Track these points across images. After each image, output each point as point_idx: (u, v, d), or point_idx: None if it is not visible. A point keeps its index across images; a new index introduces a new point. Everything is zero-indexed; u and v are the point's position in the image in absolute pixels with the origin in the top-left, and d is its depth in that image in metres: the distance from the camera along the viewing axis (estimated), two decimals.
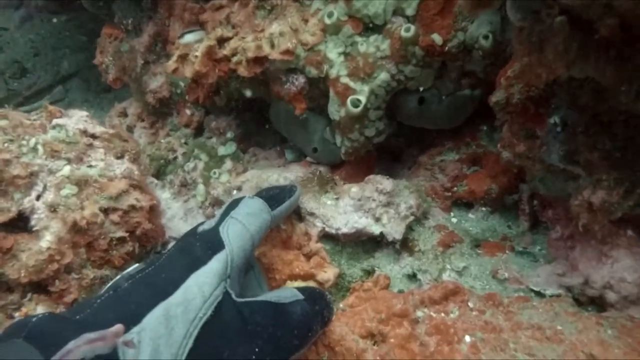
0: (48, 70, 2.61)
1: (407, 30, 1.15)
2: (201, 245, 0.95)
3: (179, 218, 1.49)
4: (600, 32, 0.72)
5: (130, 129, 1.77)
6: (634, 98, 0.77)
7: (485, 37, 1.13)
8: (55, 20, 2.71)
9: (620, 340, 0.88)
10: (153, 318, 0.80)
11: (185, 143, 1.63)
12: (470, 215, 1.34)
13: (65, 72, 2.59)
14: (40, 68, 2.62)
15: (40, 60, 2.67)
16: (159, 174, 1.61)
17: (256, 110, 1.58)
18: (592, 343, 0.88)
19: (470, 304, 1.00)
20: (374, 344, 0.98)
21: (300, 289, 1.00)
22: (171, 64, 1.44)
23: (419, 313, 1.00)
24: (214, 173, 1.47)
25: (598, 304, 1.03)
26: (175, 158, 1.61)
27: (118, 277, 1.00)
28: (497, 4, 0.87)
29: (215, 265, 0.90)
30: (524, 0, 0.80)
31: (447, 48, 1.16)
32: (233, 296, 0.89)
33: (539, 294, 1.08)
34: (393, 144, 1.50)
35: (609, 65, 0.76)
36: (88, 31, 2.58)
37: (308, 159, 1.49)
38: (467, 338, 0.93)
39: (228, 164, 1.50)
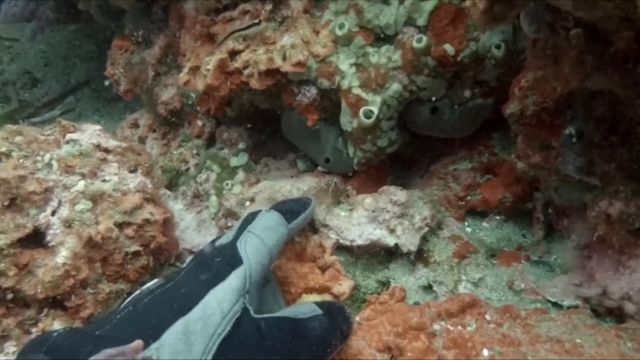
0: (59, 80, 2.63)
1: (419, 40, 1.15)
2: (219, 261, 0.96)
3: (192, 229, 1.49)
4: (617, 45, 0.71)
5: (142, 140, 1.78)
6: None
7: (498, 47, 1.13)
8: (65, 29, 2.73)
9: None
10: (172, 334, 0.81)
11: (197, 154, 1.63)
12: (485, 224, 1.33)
13: (76, 82, 2.61)
14: (51, 78, 2.64)
15: (51, 70, 2.69)
16: (171, 185, 1.62)
17: (268, 120, 1.58)
18: (612, 356, 0.87)
19: (488, 317, 1.00)
20: (391, 358, 0.97)
21: (318, 304, 1.00)
22: (183, 76, 1.45)
23: (436, 326, 0.99)
24: (227, 184, 1.48)
25: (616, 314, 1.02)
26: (188, 169, 1.62)
27: (137, 292, 1.01)
28: (513, 17, 0.87)
29: (234, 281, 0.91)
30: (537, 12, 0.80)
31: (459, 58, 1.16)
32: (251, 312, 0.90)
33: (556, 305, 1.08)
34: (406, 152, 1.50)
35: (626, 77, 0.76)
36: (98, 40, 2.60)
37: (320, 169, 1.48)
38: (485, 352, 0.92)
39: (240, 175, 1.51)
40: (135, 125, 1.84)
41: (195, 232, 1.49)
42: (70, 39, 2.80)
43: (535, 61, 0.84)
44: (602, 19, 0.68)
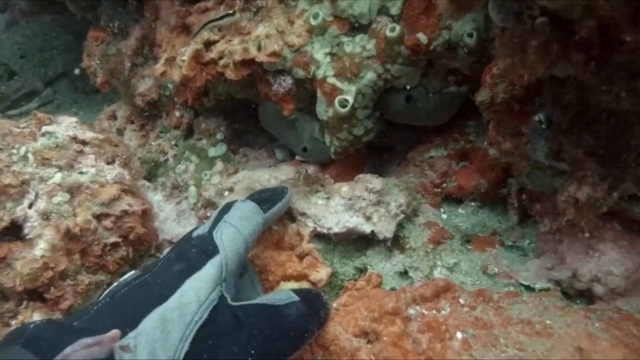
0: (35, 72, 2.59)
1: (392, 30, 1.15)
2: (196, 251, 0.97)
3: (171, 220, 1.49)
4: (580, 33, 0.73)
5: (120, 131, 1.77)
6: (615, 97, 0.78)
7: (470, 35, 1.14)
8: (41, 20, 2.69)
9: (608, 332, 0.90)
10: (149, 322, 0.82)
11: (176, 145, 1.63)
12: (460, 210, 1.35)
13: (53, 74, 2.57)
14: (27, 70, 2.60)
15: (28, 62, 2.64)
16: (150, 177, 1.62)
17: (245, 110, 1.58)
18: (580, 336, 0.90)
19: (461, 301, 1.01)
20: (367, 343, 0.99)
21: (295, 291, 1.02)
22: (159, 67, 1.45)
23: (411, 311, 1.01)
24: (205, 175, 1.48)
25: (586, 296, 1.04)
26: (166, 160, 1.62)
27: (115, 284, 1.01)
28: (479, 6, 0.88)
29: (210, 270, 0.92)
30: (505, 1, 0.81)
31: (432, 47, 1.16)
32: (228, 300, 0.91)
33: (529, 288, 1.09)
34: (383, 140, 1.51)
35: (590, 65, 0.77)
36: (75, 31, 2.56)
37: (298, 158, 1.49)
38: (459, 335, 0.94)
39: (219, 165, 1.51)
40: (113, 116, 1.83)
41: (174, 222, 1.49)
42: (47, 30, 2.75)
43: (503, 49, 0.84)
44: (566, 7, 0.69)
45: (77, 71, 1.84)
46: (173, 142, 1.64)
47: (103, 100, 2.21)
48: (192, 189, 1.48)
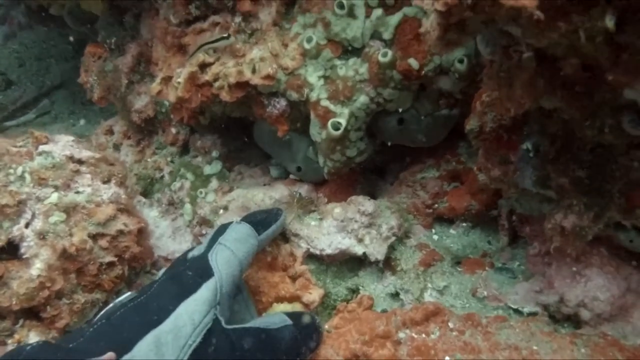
0: (33, 81, 2.59)
1: (385, 55, 1.17)
2: (191, 273, 0.98)
3: (167, 237, 1.51)
4: (565, 70, 0.74)
5: (117, 147, 1.78)
6: (598, 131, 0.80)
7: (461, 61, 1.16)
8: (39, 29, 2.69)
9: (593, 358, 0.92)
10: (144, 345, 0.83)
11: (172, 161, 1.64)
12: (452, 231, 1.36)
13: (51, 84, 2.58)
14: (25, 79, 2.60)
15: (26, 71, 2.64)
16: (146, 193, 1.63)
17: (241, 128, 1.59)
18: None
19: (451, 325, 1.03)
20: None
21: (289, 314, 1.03)
22: (155, 86, 1.46)
23: (401, 334, 1.02)
24: (201, 192, 1.49)
25: (573, 321, 1.06)
26: (162, 177, 1.63)
27: (110, 305, 1.03)
28: (467, 41, 0.89)
29: (205, 293, 0.93)
30: (492, 35, 0.83)
31: (423, 72, 1.18)
32: (222, 323, 0.92)
33: (517, 312, 1.11)
34: (376, 160, 1.52)
35: (574, 100, 0.79)
36: (73, 41, 2.57)
37: (292, 176, 1.50)
38: (447, 359, 0.96)
39: (214, 183, 1.52)
40: (110, 131, 1.84)
41: (170, 239, 1.51)
42: (45, 38, 2.76)
43: (490, 82, 0.86)
44: (551, 45, 0.70)
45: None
46: (169, 159, 1.65)
47: (100, 111, 2.22)
48: (188, 206, 1.50)
